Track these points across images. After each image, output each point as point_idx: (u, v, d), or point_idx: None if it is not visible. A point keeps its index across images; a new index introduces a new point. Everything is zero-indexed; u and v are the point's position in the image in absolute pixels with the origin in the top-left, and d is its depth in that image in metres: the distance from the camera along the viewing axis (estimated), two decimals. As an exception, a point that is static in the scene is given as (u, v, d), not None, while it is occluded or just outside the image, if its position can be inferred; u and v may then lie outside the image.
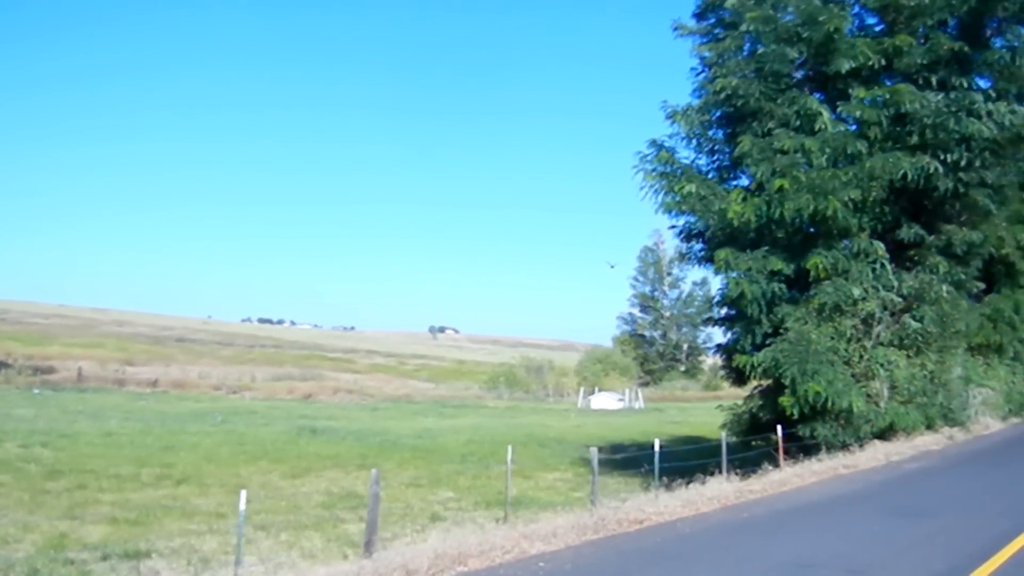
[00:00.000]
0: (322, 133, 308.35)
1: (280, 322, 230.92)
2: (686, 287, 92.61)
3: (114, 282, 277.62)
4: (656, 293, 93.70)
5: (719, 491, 15.01)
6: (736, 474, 18.24)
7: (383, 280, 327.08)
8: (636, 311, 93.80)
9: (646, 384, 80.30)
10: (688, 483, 16.81)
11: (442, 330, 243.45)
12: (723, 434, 19.38)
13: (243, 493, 9.76)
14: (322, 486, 23.25)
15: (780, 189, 20.73)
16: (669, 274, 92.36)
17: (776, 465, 19.07)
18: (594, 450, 15.34)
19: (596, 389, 69.63)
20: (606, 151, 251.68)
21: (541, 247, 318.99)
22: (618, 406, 62.96)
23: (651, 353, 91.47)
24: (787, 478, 16.87)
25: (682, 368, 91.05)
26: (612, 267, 49.36)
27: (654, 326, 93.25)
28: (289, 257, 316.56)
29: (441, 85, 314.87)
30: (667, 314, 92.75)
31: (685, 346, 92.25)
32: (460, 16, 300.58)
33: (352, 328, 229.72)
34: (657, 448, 17.14)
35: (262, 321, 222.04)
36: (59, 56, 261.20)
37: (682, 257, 24.79)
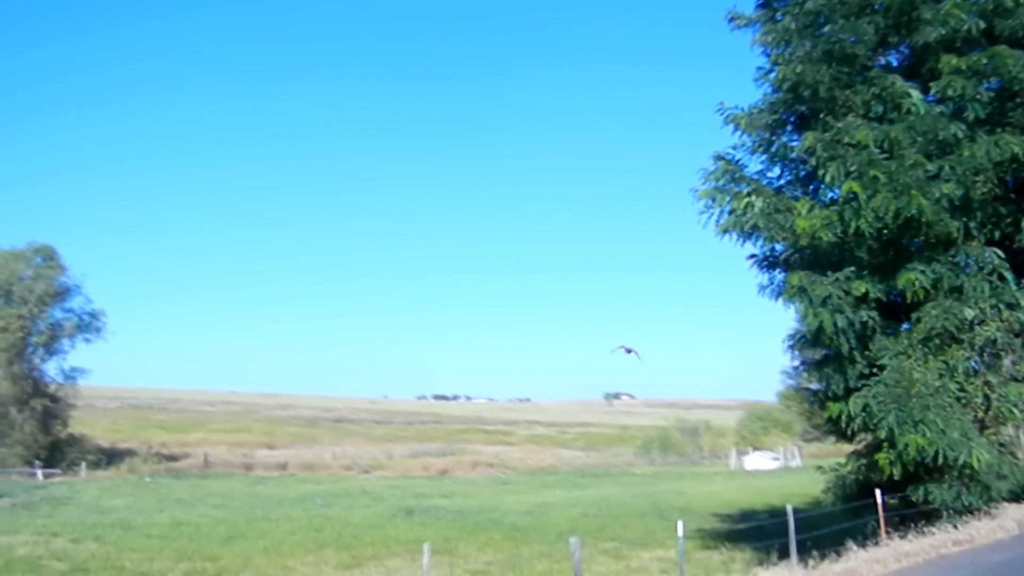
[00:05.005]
0: (490, 203, 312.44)
1: (455, 398, 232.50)
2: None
3: (293, 367, 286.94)
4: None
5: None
6: (814, 556, 14.45)
7: (560, 350, 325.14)
8: (799, 363, 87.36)
9: (812, 439, 74.29)
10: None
11: (617, 396, 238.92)
12: (789, 507, 15.29)
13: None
14: (371, 578, 21.43)
15: (854, 194, 16.73)
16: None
17: (870, 541, 15.00)
18: (575, 542, 11.71)
19: (751, 449, 64.70)
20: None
21: (712, 308, 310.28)
22: (773, 466, 58.27)
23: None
24: (858, 566, 12.67)
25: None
26: (628, 352, 40.89)
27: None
28: (467, 332, 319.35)
29: (611, 151, 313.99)
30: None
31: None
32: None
33: (527, 399, 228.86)
34: (681, 532, 13.46)
35: (437, 398, 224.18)
36: (213, 117, 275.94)
37: (762, 290, 20.70)
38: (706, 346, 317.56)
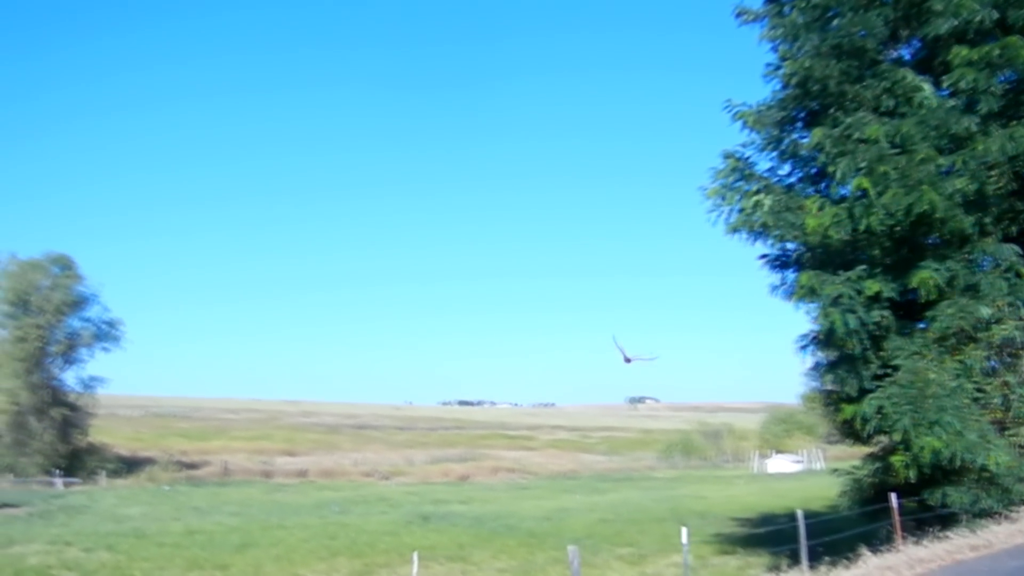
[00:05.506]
0: (514, 209, 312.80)
1: (479, 403, 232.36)
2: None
3: (317, 374, 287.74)
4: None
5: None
6: (826, 562, 14.07)
7: (584, 355, 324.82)
8: (812, 364, 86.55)
9: (835, 442, 73.52)
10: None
11: (641, 400, 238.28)
12: (799, 512, 14.91)
13: None
14: (379, 586, 21.41)
15: (863, 191, 16.33)
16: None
17: (885, 546, 14.57)
18: (573, 550, 11.39)
19: (773, 452, 64.03)
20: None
21: (736, 311, 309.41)
22: (795, 468, 57.64)
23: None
24: (869, 573, 12.24)
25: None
26: (628, 361, 37.40)
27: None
28: (491, 337, 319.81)
29: (633, 155, 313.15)
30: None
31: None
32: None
33: (551, 404, 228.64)
34: (685, 539, 13.08)
35: (462, 403, 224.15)
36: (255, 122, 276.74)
37: (774, 291, 20.24)
38: (729, 349, 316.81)
